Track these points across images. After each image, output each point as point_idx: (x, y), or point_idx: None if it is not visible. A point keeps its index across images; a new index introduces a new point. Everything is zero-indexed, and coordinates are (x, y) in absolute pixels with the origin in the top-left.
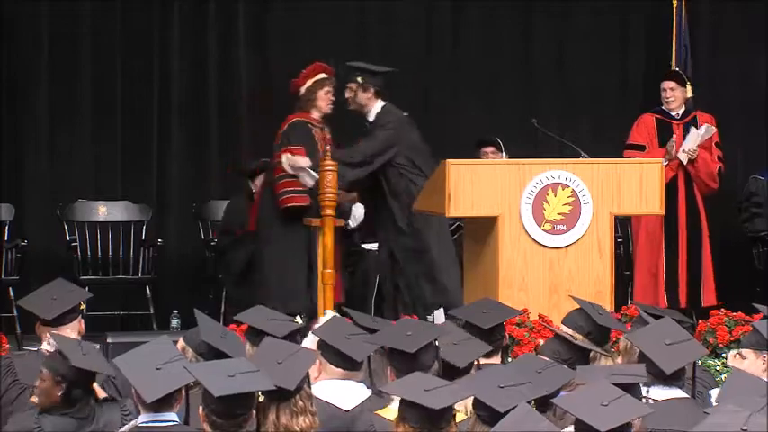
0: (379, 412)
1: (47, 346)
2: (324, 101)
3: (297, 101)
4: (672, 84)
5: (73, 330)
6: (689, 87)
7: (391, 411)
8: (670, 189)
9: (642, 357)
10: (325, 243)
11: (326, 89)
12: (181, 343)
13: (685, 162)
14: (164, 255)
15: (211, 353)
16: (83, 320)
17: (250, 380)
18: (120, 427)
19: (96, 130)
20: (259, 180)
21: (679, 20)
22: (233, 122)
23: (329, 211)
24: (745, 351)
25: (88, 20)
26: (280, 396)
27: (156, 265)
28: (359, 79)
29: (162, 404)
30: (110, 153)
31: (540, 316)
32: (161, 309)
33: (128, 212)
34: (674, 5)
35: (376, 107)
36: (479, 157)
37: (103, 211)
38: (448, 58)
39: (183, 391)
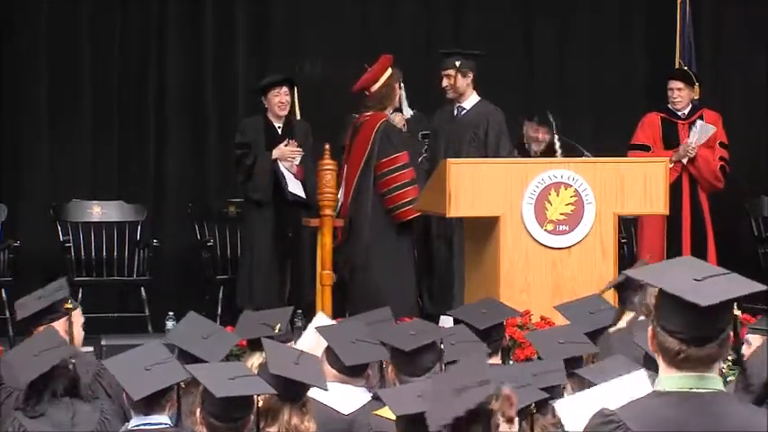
0: (378, 412)
1: None
2: (399, 95)
3: (366, 99)
4: (679, 84)
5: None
6: (697, 88)
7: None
8: (674, 190)
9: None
10: (324, 243)
11: (399, 83)
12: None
13: (685, 161)
14: (159, 256)
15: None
16: (70, 321)
17: (251, 383)
18: (97, 428)
19: (93, 130)
20: (271, 95)
21: (683, 15)
22: (231, 121)
23: (328, 211)
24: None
25: (86, 19)
26: (294, 397)
27: (151, 267)
28: (457, 63)
29: (152, 406)
30: (106, 153)
31: (542, 318)
32: (156, 311)
33: (122, 212)
34: (678, 0)
35: (473, 97)
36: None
37: (98, 211)
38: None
39: (175, 393)
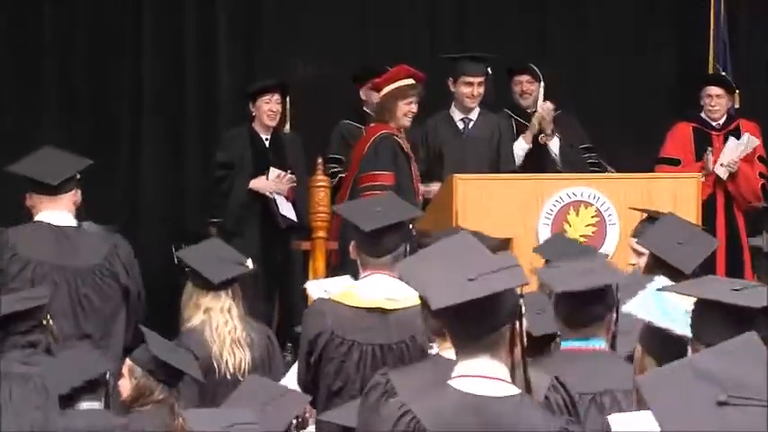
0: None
1: None
2: (403, 111)
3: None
4: (719, 90)
5: (68, 203)
6: (737, 95)
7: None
8: (707, 208)
9: None
10: (316, 269)
11: (409, 100)
12: (128, 363)
13: (724, 177)
14: None
15: (161, 368)
16: (79, 192)
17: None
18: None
19: (58, 142)
20: (261, 101)
21: (717, 16)
22: (212, 132)
23: (320, 233)
24: None
25: (51, 13)
26: None
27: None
28: (489, 71)
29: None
30: None
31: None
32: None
33: None
34: (712, 1)
35: (477, 108)
36: (513, 88)
37: None
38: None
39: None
